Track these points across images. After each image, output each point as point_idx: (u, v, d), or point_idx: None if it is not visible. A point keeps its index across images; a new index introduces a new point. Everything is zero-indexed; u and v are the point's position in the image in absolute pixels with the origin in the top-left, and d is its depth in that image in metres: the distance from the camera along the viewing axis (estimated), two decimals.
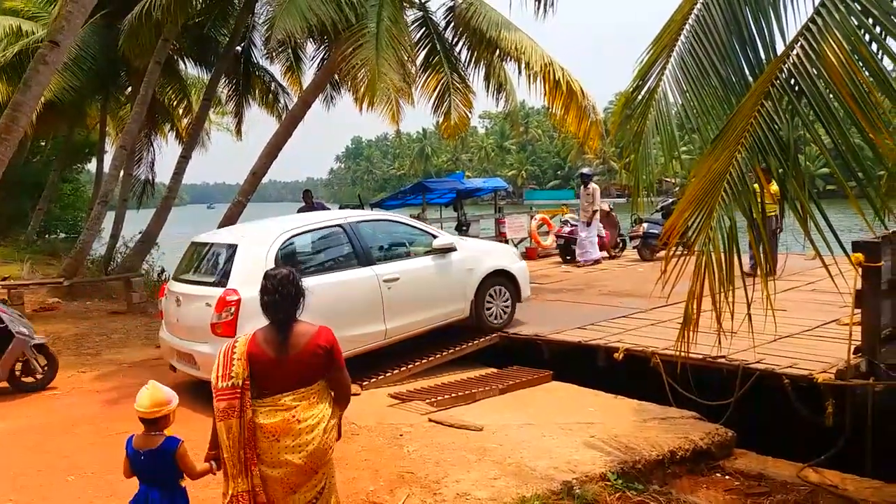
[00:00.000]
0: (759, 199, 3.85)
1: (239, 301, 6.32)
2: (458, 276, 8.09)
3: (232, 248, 6.94)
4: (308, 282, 6.24)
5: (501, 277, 8.51)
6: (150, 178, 19.40)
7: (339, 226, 7.48)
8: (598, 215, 13.90)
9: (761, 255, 3.87)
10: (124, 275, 13.71)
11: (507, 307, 8.58)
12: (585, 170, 15.02)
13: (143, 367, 8.59)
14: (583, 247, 14.02)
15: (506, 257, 8.86)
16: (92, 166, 24.18)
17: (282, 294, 3.33)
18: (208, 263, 7.38)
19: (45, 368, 7.63)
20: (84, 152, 25.17)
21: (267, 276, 3.43)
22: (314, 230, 7.49)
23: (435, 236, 8.12)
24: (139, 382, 7.75)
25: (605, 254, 14.93)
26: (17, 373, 7.56)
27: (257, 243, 6.99)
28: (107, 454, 5.64)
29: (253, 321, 5.75)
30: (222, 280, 6.65)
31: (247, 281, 6.23)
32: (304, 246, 7.40)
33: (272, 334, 3.32)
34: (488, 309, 8.39)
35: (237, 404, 3.22)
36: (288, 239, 7.08)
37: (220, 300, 6.38)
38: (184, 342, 6.92)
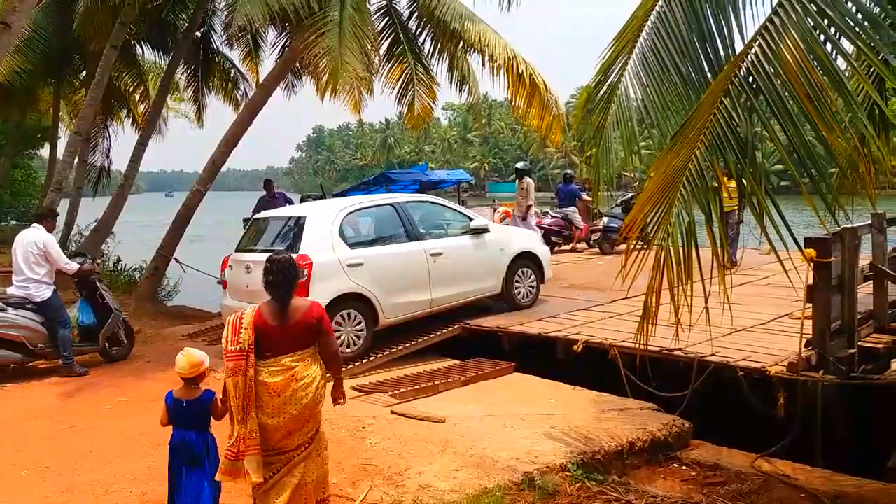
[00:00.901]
0: (717, 195, 3.92)
1: (311, 265, 7.18)
2: (492, 255, 8.83)
3: (301, 221, 7.76)
4: (366, 252, 7.69)
5: (527, 259, 9.20)
6: (106, 165, 18.83)
7: (391, 205, 8.42)
8: (532, 210, 13.91)
9: (719, 249, 3.94)
10: None
11: (532, 287, 9.28)
12: (520, 164, 15.05)
13: (98, 358, 8.42)
14: None
15: (531, 241, 9.57)
16: (44, 152, 23.45)
17: (284, 276, 4.00)
18: (276, 235, 8.22)
19: (127, 340, 8.62)
20: (36, 137, 24.40)
21: (270, 260, 4.07)
22: (370, 207, 8.47)
23: (471, 218, 8.96)
24: (94, 374, 7.65)
25: (584, 244, 15.26)
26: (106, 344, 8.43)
27: (323, 217, 7.85)
28: (64, 448, 5.54)
29: (321, 283, 7.21)
30: (294, 247, 7.39)
31: (315, 249, 7.35)
32: (362, 221, 8.40)
33: (275, 308, 3.97)
34: (517, 289, 9.07)
35: (243, 364, 3.82)
36: (349, 214, 8.00)
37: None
38: (254, 305, 7.01)
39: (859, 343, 6.68)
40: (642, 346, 4.47)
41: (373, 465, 4.93)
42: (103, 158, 18.57)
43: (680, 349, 6.40)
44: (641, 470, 5.21)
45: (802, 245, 5.76)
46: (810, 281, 6.09)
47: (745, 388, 6.02)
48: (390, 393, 6.50)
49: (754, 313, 8.05)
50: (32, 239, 7.78)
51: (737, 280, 10.01)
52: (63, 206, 15.14)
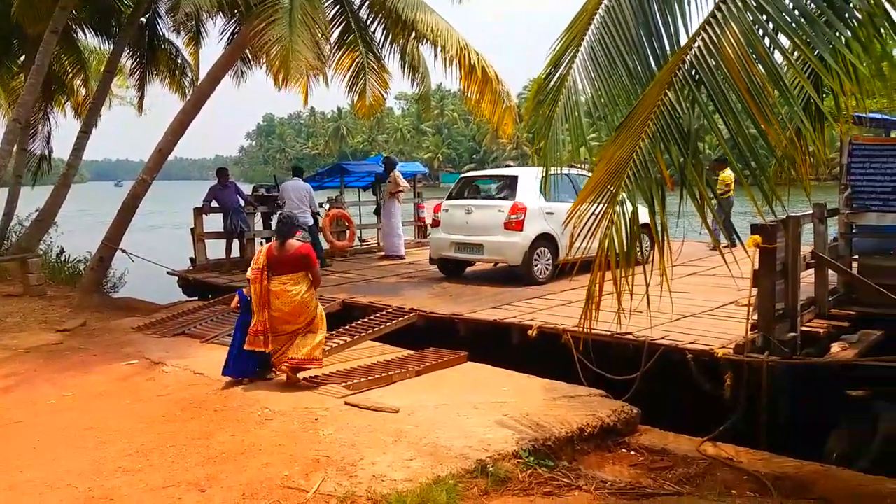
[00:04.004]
0: (660, 187, 3.99)
1: (525, 209, 10.16)
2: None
3: (514, 178, 10.70)
4: (553, 205, 10.17)
5: (647, 228, 10.88)
6: (47, 153, 18.19)
7: (566, 175, 10.19)
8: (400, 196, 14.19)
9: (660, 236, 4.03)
10: (19, 255, 12.94)
11: (648, 250, 11.46)
12: (393, 158, 15.02)
13: (40, 352, 8.19)
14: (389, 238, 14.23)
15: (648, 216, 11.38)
16: None
17: (286, 224, 6.64)
18: (490, 188, 11.40)
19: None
20: None
21: (282, 216, 6.99)
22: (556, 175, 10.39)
23: None
24: (36, 368, 7.46)
25: None
26: None
27: (530, 176, 10.31)
28: (4, 445, 5.38)
29: (530, 223, 10.21)
30: (510, 196, 10.44)
31: (527, 199, 10.20)
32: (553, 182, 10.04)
33: (278, 244, 6.54)
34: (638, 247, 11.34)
35: (259, 277, 6.46)
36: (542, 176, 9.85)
37: (514, 207, 10.19)
38: (471, 237, 10.63)
39: (801, 328, 6.95)
40: (593, 331, 4.55)
41: (326, 456, 4.90)
42: (43, 146, 17.89)
43: (630, 333, 6.55)
44: (591, 455, 5.29)
45: (749, 232, 5.96)
46: (756, 268, 6.30)
47: (693, 370, 6.20)
48: (344, 384, 6.47)
49: (702, 301, 8.28)
50: (302, 185, 12.56)
51: (685, 270, 10.34)
52: (1, 196, 14.65)
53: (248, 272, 6.64)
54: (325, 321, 6.80)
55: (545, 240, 10.28)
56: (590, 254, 4.32)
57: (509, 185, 10.74)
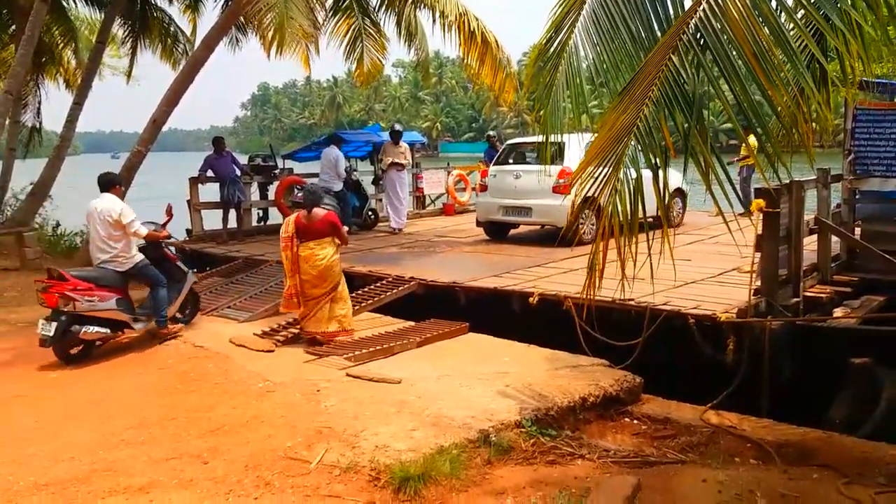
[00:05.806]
0: (664, 154, 3.92)
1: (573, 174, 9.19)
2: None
3: (561, 144, 10.19)
4: None
5: (679, 193, 11.88)
6: (38, 125, 17.96)
7: None
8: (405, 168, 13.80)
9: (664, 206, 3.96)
10: (15, 229, 12.86)
11: (680, 212, 12.25)
12: (398, 126, 14.51)
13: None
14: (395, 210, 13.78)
15: (680, 181, 10.93)
16: None
17: (312, 194, 7.18)
18: (535, 154, 11.63)
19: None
20: None
21: (307, 187, 7.76)
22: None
23: None
24: (36, 343, 7.43)
25: None
26: None
27: (577, 141, 9.56)
28: (7, 419, 5.38)
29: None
30: (557, 161, 10.46)
31: (574, 162, 9.23)
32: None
33: (305, 213, 6.98)
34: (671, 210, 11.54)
35: (290, 244, 7.00)
36: (587, 142, 9.70)
37: (562, 172, 10.48)
38: (520, 200, 11.11)
39: (804, 293, 6.93)
40: (595, 298, 4.52)
41: (328, 427, 4.90)
42: (34, 118, 17.69)
43: (632, 299, 6.52)
44: (593, 425, 5.30)
45: (753, 197, 5.89)
46: (759, 232, 6.26)
47: (696, 335, 6.19)
48: (345, 356, 6.46)
49: (704, 268, 8.25)
50: (331, 153, 12.63)
51: (687, 239, 10.34)
52: None
53: (281, 241, 7.17)
54: (347, 290, 7.26)
55: (589, 202, 10.82)
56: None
57: (557, 150, 10.82)
